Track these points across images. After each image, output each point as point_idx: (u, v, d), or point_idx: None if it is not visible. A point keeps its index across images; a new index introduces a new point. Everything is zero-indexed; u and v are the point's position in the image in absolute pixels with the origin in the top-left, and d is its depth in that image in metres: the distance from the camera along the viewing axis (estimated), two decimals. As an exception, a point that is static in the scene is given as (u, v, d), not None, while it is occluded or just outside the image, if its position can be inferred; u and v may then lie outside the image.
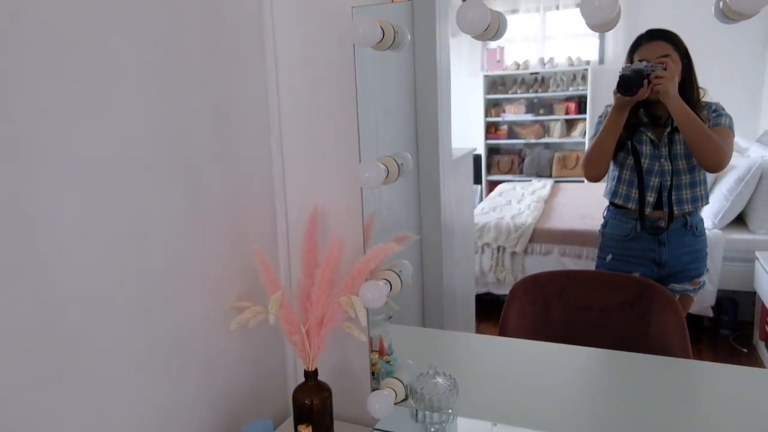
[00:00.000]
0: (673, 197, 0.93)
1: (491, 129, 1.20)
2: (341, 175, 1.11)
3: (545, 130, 1.18)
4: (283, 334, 1.00)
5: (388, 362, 1.09)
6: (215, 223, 1.00)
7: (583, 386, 1.04)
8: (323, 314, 0.98)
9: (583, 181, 1.07)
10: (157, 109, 0.87)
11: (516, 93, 1.15)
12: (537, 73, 1.11)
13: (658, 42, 0.88)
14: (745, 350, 0.95)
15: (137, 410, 0.86)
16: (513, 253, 1.13)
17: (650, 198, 0.94)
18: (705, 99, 0.88)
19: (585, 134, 1.06)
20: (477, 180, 1.18)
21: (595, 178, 0.99)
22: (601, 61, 1.03)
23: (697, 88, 0.88)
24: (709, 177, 0.93)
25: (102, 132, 0.78)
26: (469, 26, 0.78)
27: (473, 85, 1.15)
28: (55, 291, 0.73)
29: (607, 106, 0.94)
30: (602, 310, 1.01)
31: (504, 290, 1.10)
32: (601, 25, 0.78)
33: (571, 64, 1.07)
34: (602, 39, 1.00)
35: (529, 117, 1.18)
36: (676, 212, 0.93)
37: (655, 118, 0.92)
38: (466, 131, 1.17)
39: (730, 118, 0.87)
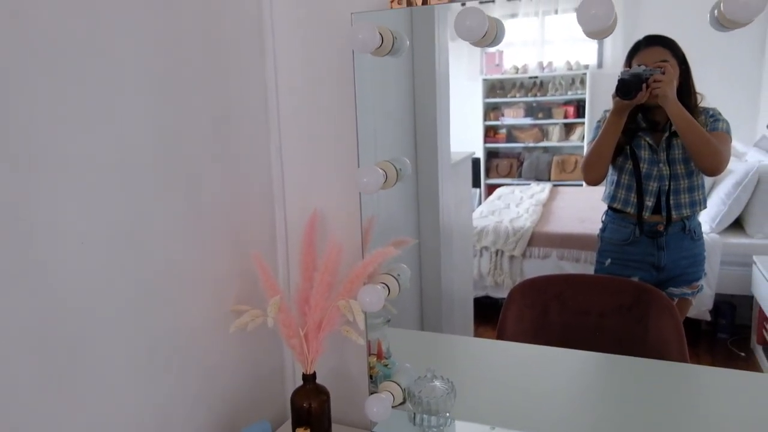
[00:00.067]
0: (672, 201, 0.95)
1: (490, 133, 1.21)
2: (340, 179, 1.13)
3: (544, 133, 1.20)
4: (282, 337, 1.02)
5: (386, 365, 1.11)
6: (215, 227, 1.02)
7: (580, 390, 1.06)
8: (322, 318, 0.99)
9: (581, 185, 1.09)
10: (157, 113, 0.88)
11: (515, 97, 1.16)
12: (536, 77, 1.13)
13: (656, 48, 0.89)
14: (742, 354, 0.96)
15: (136, 411, 0.88)
16: (511, 257, 1.15)
17: (649, 202, 0.96)
18: (702, 104, 0.90)
19: (584, 138, 1.08)
20: (476, 183, 1.20)
21: (594, 181, 1.01)
22: (600, 65, 1.05)
23: (695, 93, 0.90)
24: (707, 181, 0.95)
25: (102, 135, 0.79)
26: (468, 33, 0.80)
27: (472, 88, 1.16)
28: (55, 293, 0.74)
29: (606, 111, 0.96)
30: (600, 314, 1.03)
31: (502, 294, 1.12)
32: (598, 32, 0.80)
33: (570, 69, 1.08)
34: (601, 43, 1.02)
35: (528, 121, 1.20)
36: (674, 216, 0.95)
37: (654, 123, 0.94)
38: (465, 135, 1.18)
39: (727, 123, 0.89)
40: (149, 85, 0.87)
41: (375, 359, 1.12)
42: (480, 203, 1.21)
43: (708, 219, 0.97)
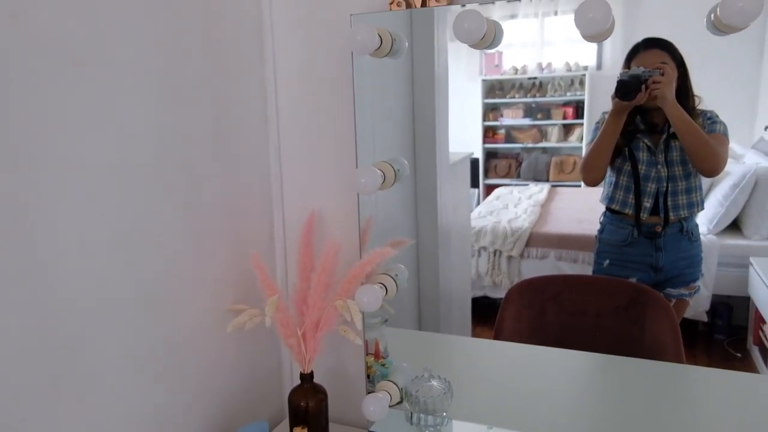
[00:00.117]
0: (669, 203, 0.96)
1: (489, 133, 1.22)
2: (338, 179, 1.15)
3: (543, 134, 1.21)
4: (280, 336, 1.03)
5: (383, 365, 1.13)
6: (213, 227, 1.03)
7: (577, 390, 1.07)
8: (319, 317, 1.01)
9: (580, 186, 1.10)
10: (157, 113, 0.90)
11: (514, 97, 1.18)
12: (535, 78, 1.14)
13: (655, 50, 0.91)
14: (739, 355, 0.97)
15: (134, 411, 0.89)
16: (509, 257, 1.16)
17: (647, 203, 0.97)
18: (700, 107, 0.91)
19: (582, 139, 1.09)
20: (474, 184, 1.21)
21: (593, 182, 1.03)
22: (599, 66, 1.06)
23: (693, 96, 0.91)
24: (705, 183, 0.96)
25: (101, 135, 0.81)
26: (466, 35, 0.81)
27: (471, 89, 1.17)
28: (54, 293, 0.76)
29: (604, 113, 0.98)
30: (597, 315, 1.04)
31: (500, 294, 1.13)
32: (595, 35, 0.82)
33: (569, 70, 1.10)
34: (600, 45, 1.03)
35: (527, 121, 1.21)
36: (672, 218, 0.97)
37: (652, 125, 0.95)
38: (464, 135, 1.19)
39: (725, 125, 0.91)
40: (149, 85, 0.88)
41: (372, 359, 1.14)
42: (478, 203, 1.22)
43: (705, 220, 0.99)
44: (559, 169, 1.19)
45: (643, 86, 0.91)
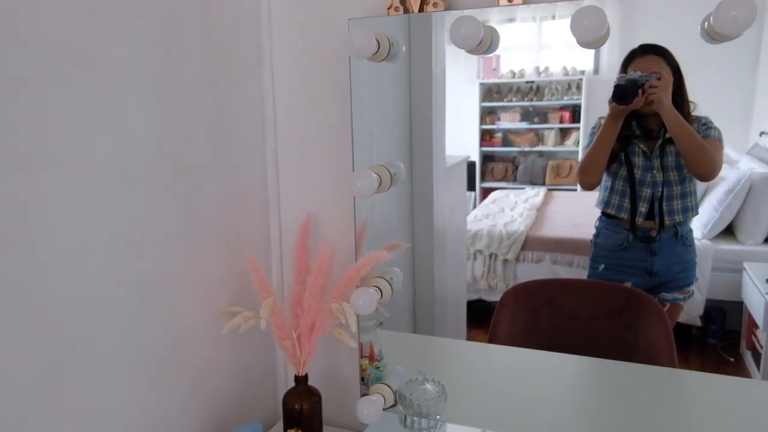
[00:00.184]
0: (665, 207, 0.98)
1: (486, 136, 1.24)
2: (335, 182, 1.16)
3: (539, 138, 1.23)
4: (274, 339, 1.05)
5: (377, 368, 1.14)
6: (210, 229, 1.05)
7: (571, 394, 1.09)
8: (314, 320, 1.03)
9: (576, 190, 1.12)
10: (155, 116, 0.91)
11: (511, 101, 1.19)
12: (532, 82, 1.15)
13: (651, 56, 0.93)
14: (732, 359, 0.98)
15: (128, 412, 0.90)
16: (505, 261, 1.18)
17: (642, 208, 0.99)
18: (695, 113, 0.93)
19: (579, 143, 1.11)
20: (471, 187, 1.23)
21: (590, 186, 1.05)
22: (596, 71, 1.08)
23: (688, 101, 0.93)
24: (699, 188, 0.98)
25: (99, 137, 0.82)
26: (463, 41, 0.83)
27: (469, 92, 1.19)
28: (52, 294, 0.77)
29: (600, 118, 1.00)
30: (591, 319, 1.06)
31: (495, 297, 1.14)
32: (591, 42, 0.84)
33: (566, 74, 1.11)
34: (597, 50, 1.04)
35: (524, 125, 1.23)
36: (667, 222, 0.99)
37: (648, 130, 0.97)
38: (462, 138, 1.21)
39: (719, 131, 0.93)
40: (147, 87, 0.89)
41: (367, 361, 1.15)
42: (475, 207, 1.24)
43: (700, 225, 1.00)
44: (555, 173, 1.20)
45: (640, 91, 0.93)
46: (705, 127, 0.93)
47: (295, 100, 1.17)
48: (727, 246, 1.01)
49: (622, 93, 0.94)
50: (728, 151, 0.94)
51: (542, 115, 1.20)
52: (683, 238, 1.00)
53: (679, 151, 0.95)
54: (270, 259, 1.23)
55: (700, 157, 0.95)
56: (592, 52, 1.06)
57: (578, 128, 1.14)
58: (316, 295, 1.02)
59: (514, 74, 1.13)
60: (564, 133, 1.20)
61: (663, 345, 1.02)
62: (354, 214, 1.11)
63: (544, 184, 1.21)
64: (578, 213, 1.13)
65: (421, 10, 0.97)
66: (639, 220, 1.00)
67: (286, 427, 1.07)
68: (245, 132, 1.13)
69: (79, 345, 0.81)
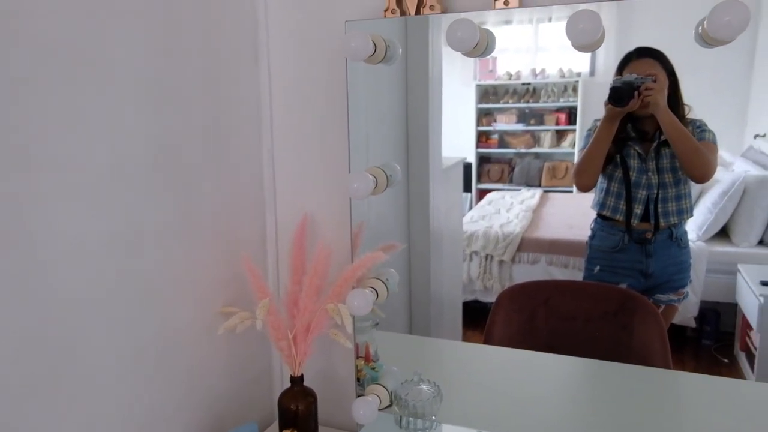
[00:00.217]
0: (660, 209, 0.99)
1: (482, 138, 1.24)
2: (331, 183, 1.17)
3: (535, 140, 1.24)
4: (270, 339, 1.05)
5: (373, 369, 1.15)
6: (206, 230, 1.05)
7: (565, 395, 1.10)
8: (310, 321, 1.03)
9: (571, 191, 1.13)
10: (152, 117, 0.91)
11: (507, 103, 1.20)
12: (529, 84, 1.16)
13: (646, 59, 0.94)
14: (726, 361, 0.99)
15: (124, 412, 0.91)
16: (501, 262, 1.19)
17: (637, 210, 1.00)
18: (690, 115, 0.95)
19: (575, 145, 1.12)
20: (467, 188, 1.24)
21: (586, 187, 1.06)
22: (592, 73, 1.08)
23: (683, 104, 0.94)
24: (694, 191, 0.99)
25: (97, 137, 0.82)
26: (459, 44, 0.84)
27: (466, 94, 1.19)
28: (49, 294, 0.77)
29: (596, 120, 1.01)
30: (586, 320, 1.07)
31: (491, 298, 1.15)
32: (586, 46, 0.85)
33: (563, 76, 1.12)
34: (594, 52, 1.05)
35: (520, 127, 1.24)
36: (662, 224, 1.00)
37: (643, 132, 0.98)
38: (458, 139, 1.22)
39: (713, 134, 0.94)
40: (145, 88, 0.89)
41: (363, 362, 1.16)
42: (471, 208, 1.25)
43: (695, 227, 1.01)
44: (551, 175, 1.21)
45: (636, 93, 0.94)
46: (699, 129, 0.94)
47: (292, 101, 1.18)
48: (721, 248, 1.02)
49: (618, 95, 0.95)
50: (723, 153, 0.95)
51: (538, 116, 1.21)
52: (678, 239, 1.01)
53: (674, 154, 0.96)
54: (266, 259, 1.24)
55: (695, 159, 0.96)
56: (588, 54, 1.07)
57: (574, 130, 1.15)
58: (312, 295, 1.03)
59: (510, 76, 1.14)
60: (560, 135, 1.20)
61: (658, 346, 1.03)
62: (350, 215, 1.12)
63: (540, 185, 1.22)
64: (574, 214, 1.14)
65: (417, 12, 0.98)
66: (634, 222, 1.01)
67: (281, 427, 1.08)
68: (242, 133, 1.14)
69: (75, 344, 0.82)
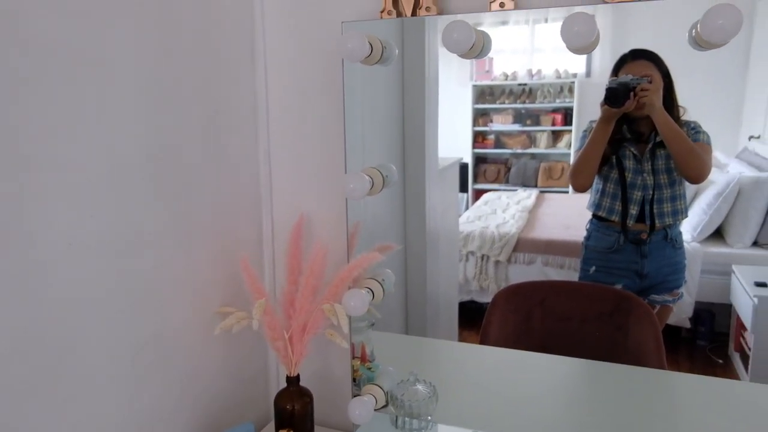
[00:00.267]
0: (655, 210, 1.01)
1: (479, 138, 1.26)
2: (327, 184, 1.18)
3: (532, 140, 1.25)
4: (267, 339, 1.06)
5: (369, 369, 1.16)
6: (202, 231, 1.06)
7: (561, 395, 1.11)
8: (306, 321, 1.04)
9: (567, 192, 1.14)
10: (148, 117, 0.92)
11: (504, 103, 1.21)
12: (525, 85, 1.17)
13: (641, 61, 0.95)
14: (720, 361, 1.00)
15: (120, 413, 0.91)
16: (497, 262, 1.20)
17: (633, 211, 1.02)
18: (684, 117, 0.96)
19: (570, 145, 1.13)
20: (463, 188, 1.25)
21: (582, 187, 1.07)
22: (588, 74, 1.09)
23: (677, 106, 0.95)
24: (689, 192, 1.00)
25: (92, 137, 0.83)
26: (455, 45, 0.85)
27: (462, 94, 1.20)
28: (44, 294, 0.78)
29: (591, 121, 1.02)
30: (581, 321, 1.08)
31: (487, 298, 1.16)
32: (581, 48, 0.86)
33: (559, 77, 1.13)
34: (589, 54, 1.07)
35: (516, 127, 1.25)
36: (657, 225, 1.01)
37: (638, 134, 0.99)
38: (455, 140, 1.23)
39: (708, 135, 0.95)
40: (140, 90, 0.90)
41: (359, 362, 1.17)
42: (467, 208, 1.26)
43: (690, 228, 1.03)
44: (547, 175, 1.23)
45: (632, 94, 0.95)
46: (694, 131, 0.95)
47: (289, 101, 1.18)
48: (716, 249, 1.03)
49: (614, 96, 0.96)
50: (718, 154, 0.96)
51: (534, 117, 1.22)
52: (673, 240, 1.02)
53: (669, 155, 0.97)
54: (262, 259, 1.25)
55: (690, 160, 0.97)
56: (584, 55, 1.08)
57: (570, 131, 1.16)
58: (309, 296, 1.04)
59: (506, 77, 1.15)
60: (556, 136, 1.22)
61: (652, 347, 1.04)
62: (346, 216, 1.13)
63: (536, 186, 1.23)
64: (570, 215, 1.15)
65: (413, 14, 0.99)
66: (630, 223, 1.02)
67: (277, 427, 1.09)
68: (239, 133, 1.15)
69: (73, 344, 0.82)
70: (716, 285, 1.01)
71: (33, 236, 0.76)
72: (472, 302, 1.18)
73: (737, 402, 0.98)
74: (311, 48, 1.14)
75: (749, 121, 0.93)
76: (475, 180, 1.26)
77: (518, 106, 1.21)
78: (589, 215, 1.06)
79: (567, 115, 1.18)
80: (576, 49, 0.86)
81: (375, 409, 1.06)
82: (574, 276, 1.09)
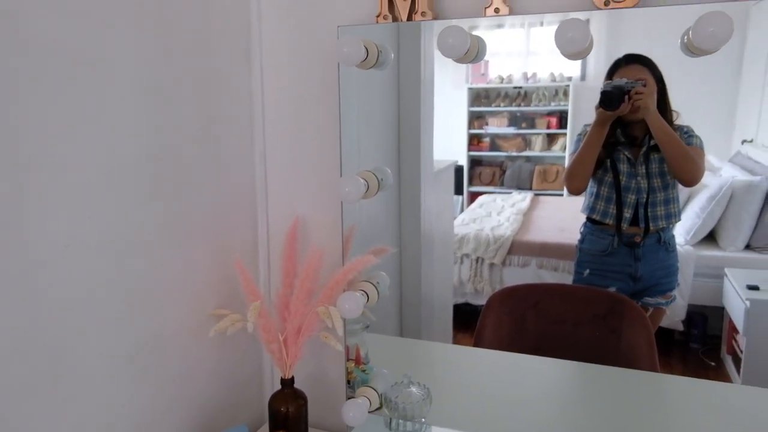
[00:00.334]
0: (649, 213, 1.02)
1: (474, 141, 1.27)
2: (323, 187, 1.19)
3: (527, 143, 1.26)
4: (261, 342, 1.07)
5: (363, 371, 1.17)
6: (198, 233, 1.07)
7: (554, 398, 1.12)
8: (301, 323, 1.05)
9: (562, 195, 1.15)
10: (144, 119, 0.92)
11: (499, 106, 1.22)
12: (520, 88, 1.18)
13: (635, 66, 0.96)
14: (713, 364, 1.01)
15: (114, 413, 0.92)
16: (491, 265, 1.21)
17: (627, 214, 1.03)
18: (677, 122, 0.98)
19: (565, 148, 1.14)
20: (458, 191, 1.26)
21: (577, 190, 1.08)
22: (583, 77, 1.11)
23: (671, 110, 0.97)
24: (682, 195, 1.02)
25: (88, 139, 0.83)
26: (450, 50, 0.86)
27: (458, 97, 1.22)
28: (38, 295, 0.78)
29: (586, 125, 1.03)
30: (575, 324, 1.10)
31: (482, 301, 1.17)
32: (574, 54, 0.88)
33: (554, 80, 1.14)
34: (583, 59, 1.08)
35: (512, 130, 1.26)
36: (651, 228, 1.03)
37: (632, 138, 1.01)
38: (450, 143, 1.24)
39: (700, 139, 0.97)
40: (137, 92, 0.91)
41: (353, 365, 1.18)
42: (462, 211, 1.27)
43: (683, 231, 1.04)
44: (542, 178, 1.24)
45: (626, 97, 0.96)
46: (687, 135, 0.97)
47: (285, 104, 1.19)
48: (708, 252, 1.05)
49: (609, 99, 0.98)
50: (711, 158, 0.97)
51: (530, 120, 1.24)
52: (666, 243, 1.03)
53: (663, 158, 0.98)
54: (258, 262, 1.26)
55: (684, 163, 0.99)
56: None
57: (565, 134, 1.17)
58: (303, 298, 1.05)
59: (502, 79, 1.17)
60: (551, 139, 1.23)
61: (645, 349, 1.05)
62: (341, 219, 1.14)
63: (530, 188, 1.24)
64: (564, 218, 1.17)
65: (409, 18, 1.00)
66: (624, 226, 1.03)
67: (272, 429, 1.10)
68: (234, 136, 1.16)
69: (66, 345, 0.83)
70: (709, 288, 1.02)
71: (30, 237, 0.76)
72: (466, 305, 1.19)
73: (729, 404, 0.99)
74: (307, 51, 1.15)
75: (742, 126, 0.94)
76: (470, 183, 1.27)
77: (513, 109, 1.22)
78: (583, 218, 1.08)
79: (562, 119, 1.19)
80: (570, 55, 0.88)
81: (369, 412, 1.07)
82: (568, 279, 1.10)
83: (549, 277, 1.16)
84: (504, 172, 1.26)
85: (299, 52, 1.15)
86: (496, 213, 1.28)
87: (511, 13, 0.98)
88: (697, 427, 1.01)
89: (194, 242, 1.06)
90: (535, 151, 1.25)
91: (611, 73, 0.98)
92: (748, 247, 1.01)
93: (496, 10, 0.97)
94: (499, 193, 1.27)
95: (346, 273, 1.04)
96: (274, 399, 1.09)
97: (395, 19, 1.01)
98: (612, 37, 0.97)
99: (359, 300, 0.99)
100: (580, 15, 0.94)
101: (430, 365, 1.21)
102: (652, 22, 0.94)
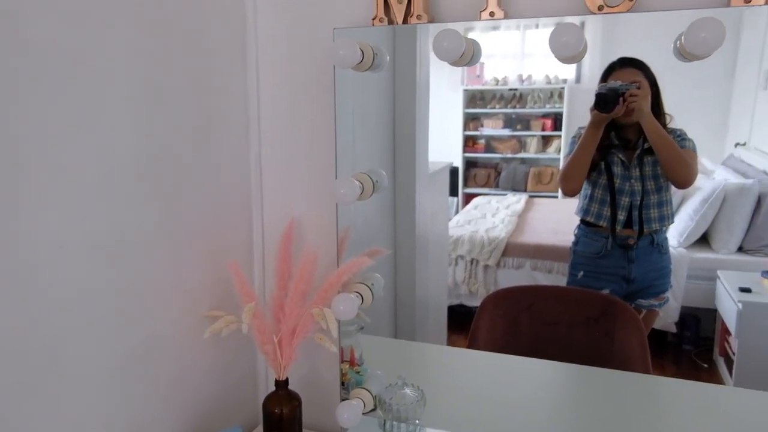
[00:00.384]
0: (643, 216, 1.04)
1: (469, 142, 1.28)
2: (318, 189, 1.20)
3: (522, 145, 1.27)
4: (256, 343, 1.08)
5: (358, 373, 1.18)
6: (193, 235, 1.07)
7: (548, 400, 1.13)
8: (295, 325, 1.06)
9: (556, 197, 1.17)
10: (139, 122, 0.93)
11: (494, 108, 1.23)
12: (515, 90, 1.20)
13: (629, 69, 0.98)
14: (705, 366, 1.02)
15: (108, 414, 0.93)
16: (486, 266, 1.22)
17: (621, 216, 1.04)
18: (671, 125, 0.99)
19: (560, 151, 1.16)
20: (453, 193, 1.27)
21: (571, 192, 1.10)
22: (578, 80, 1.12)
23: (664, 114, 0.99)
24: (676, 198, 1.03)
25: (84, 142, 0.84)
26: (445, 54, 0.87)
27: (453, 99, 1.23)
28: (32, 298, 0.79)
29: (581, 127, 1.04)
30: (569, 325, 1.11)
31: (476, 302, 1.18)
32: (569, 58, 0.89)
33: (549, 82, 1.15)
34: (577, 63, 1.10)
35: (507, 132, 1.27)
36: (645, 230, 1.04)
37: (626, 140, 1.02)
38: (445, 144, 1.25)
39: (693, 142, 0.98)
40: (132, 92, 0.91)
41: (347, 366, 1.19)
42: (457, 212, 1.28)
43: (676, 234, 1.05)
44: (537, 180, 1.25)
45: (621, 99, 0.98)
46: (680, 138, 0.99)
47: (280, 106, 1.20)
48: (701, 254, 1.06)
49: (604, 101, 0.99)
50: (704, 161, 0.99)
51: (525, 122, 1.25)
52: (659, 245, 1.05)
53: (656, 161, 1.00)
54: (252, 263, 1.26)
55: (677, 166, 1.00)
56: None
57: (560, 136, 1.18)
58: (298, 300, 1.05)
59: (497, 81, 1.18)
60: (546, 141, 1.24)
61: (638, 351, 1.06)
62: (336, 220, 1.15)
63: (525, 190, 1.25)
64: (559, 220, 1.18)
65: (405, 21, 1.01)
66: (618, 228, 1.05)
67: (266, 431, 1.10)
68: (229, 138, 1.16)
69: (60, 347, 0.83)
70: (702, 290, 1.03)
71: (21, 239, 0.77)
72: (461, 306, 1.20)
73: (721, 406, 1.01)
74: (303, 53, 1.15)
75: (735, 129, 0.95)
76: (465, 184, 1.28)
77: (509, 110, 1.23)
78: (577, 220, 1.09)
79: (557, 121, 1.20)
80: (564, 59, 0.89)
81: (363, 413, 1.08)
82: (562, 280, 1.11)
83: (543, 279, 1.17)
84: (499, 173, 1.27)
85: (295, 54, 1.16)
86: (491, 215, 1.29)
87: (506, 17, 0.99)
88: (689, 428, 1.02)
89: (189, 243, 1.06)
90: (530, 153, 1.26)
91: (606, 76, 0.99)
92: (740, 249, 1.02)
93: (491, 14, 0.98)
94: (494, 194, 1.28)
95: (340, 275, 1.05)
96: (269, 400, 1.10)
97: (391, 21, 1.02)
98: (606, 40, 0.99)
99: (354, 302, 1.00)
100: (575, 19, 0.95)
101: (425, 367, 1.22)
102: (646, 26, 0.95)
